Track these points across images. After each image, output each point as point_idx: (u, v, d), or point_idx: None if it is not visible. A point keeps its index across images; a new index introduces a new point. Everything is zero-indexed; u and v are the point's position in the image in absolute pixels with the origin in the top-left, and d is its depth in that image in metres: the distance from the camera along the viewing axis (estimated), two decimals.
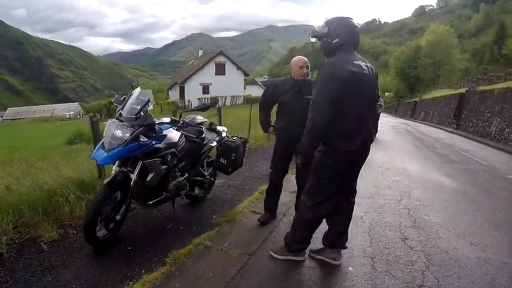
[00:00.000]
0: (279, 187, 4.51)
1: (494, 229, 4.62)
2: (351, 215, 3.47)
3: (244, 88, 48.28)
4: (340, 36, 2.99)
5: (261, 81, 61.39)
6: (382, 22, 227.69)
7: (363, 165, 3.33)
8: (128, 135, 3.50)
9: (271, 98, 4.40)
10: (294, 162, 4.19)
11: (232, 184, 6.28)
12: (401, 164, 9.08)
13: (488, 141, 15.52)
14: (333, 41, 3.01)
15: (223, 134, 5.16)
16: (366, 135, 3.10)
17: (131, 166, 3.69)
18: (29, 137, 20.70)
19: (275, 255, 3.56)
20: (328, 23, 3.04)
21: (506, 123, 15.07)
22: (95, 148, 3.80)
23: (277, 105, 4.39)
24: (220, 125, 6.90)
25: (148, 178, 3.69)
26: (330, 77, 2.88)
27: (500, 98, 16.47)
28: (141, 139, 3.61)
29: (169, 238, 4.03)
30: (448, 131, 21.06)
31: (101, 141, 3.63)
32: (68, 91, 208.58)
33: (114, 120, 3.68)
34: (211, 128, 5.12)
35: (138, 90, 3.91)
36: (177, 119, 4.36)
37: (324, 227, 3.48)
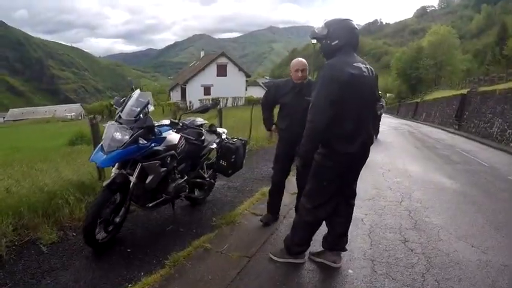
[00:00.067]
0: (281, 188, 4.52)
1: (495, 231, 4.60)
2: (351, 217, 3.46)
3: (246, 89, 48.28)
4: (340, 38, 2.98)
5: (262, 83, 61.46)
6: (384, 23, 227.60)
7: (364, 167, 3.32)
8: (127, 137, 3.50)
9: (272, 99, 4.44)
10: (295, 164, 4.18)
11: (232, 186, 6.27)
12: (403, 165, 9.05)
13: (490, 142, 15.49)
14: (333, 43, 3.00)
15: (223, 136, 5.15)
16: (366, 137, 3.08)
17: (131, 168, 3.69)
18: (30, 138, 20.74)
19: (275, 258, 3.54)
20: (328, 25, 3.03)
21: (508, 124, 15.04)
22: (94, 150, 3.80)
23: (279, 106, 4.41)
24: (221, 127, 6.89)
25: (148, 180, 3.68)
26: (329, 79, 2.87)
27: (502, 98, 16.45)
28: (141, 141, 3.60)
29: (169, 240, 4.02)
30: (450, 132, 21.02)
31: (100, 144, 3.63)
32: (69, 92, 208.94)
33: (113, 122, 3.67)
34: (211, 130, 5.12)
35: (137, 92, 3.90)
36: (177, 121, 4.35)
37: (323, 229, 3.47)
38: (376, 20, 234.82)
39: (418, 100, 43.17)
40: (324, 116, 2.84)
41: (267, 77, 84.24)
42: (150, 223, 4.52)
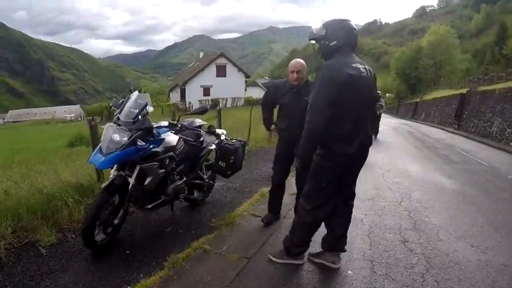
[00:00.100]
0: (282, 188, 4.54)
1: (495, 231, 4.59)
2: (350, 218, 3.45)
3: (245, 90, 48.27)
4: (338, 39, 2.97)
5: (261, 83, 61.45)
6: (383, 23, 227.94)
7: (364, 167, 3.31)
8: (125, 139, 3.49)
9: (271, 99, 4.46)
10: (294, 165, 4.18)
11: (232, 187, 6.26)
12: (402, 165, 9.05)
13: (490, 142, 15.49)
14: (331, 44, 2.99)
15: (222, 137, 5.14)
16: (364, 137, 3.07)
17: (129, 170, 3.69)
18: (30, 140, 20.69)
19: (274, 259, 3.53)
20: (326, 25, 3.02)
21: (508, 123, 15.04)
22: (93, 152, 3.80)
23: (278, 106, 4.42)
24: (220, 128, 6.89)
25: (146, 182, 3.67)
26: (327, 79, 2.86)
27: (501, 98, 16.45)
28: (139, 143, 3.59)
29: (168, 242, 4.02)
30: (449, 132, 21.02)
31: (99, 146, 3.63)
32: (69, 93, 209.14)
33: (111, 124, 3.67)
34: (210, 131, 5.11)
35: (135, 93, 3.90)
36: (175, 122, 4.34)
37: (322, 230, 3.46)
38: (376, 20, 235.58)
39: (418, 100, 43.21)
40: (322, 117, 2.84)
41: (267, 78, 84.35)
42: (149, 224, 4.51)
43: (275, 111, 4.60)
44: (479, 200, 6.11)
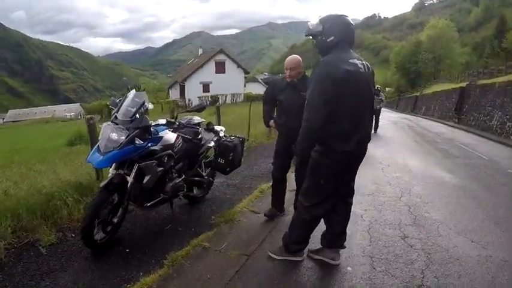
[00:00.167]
0: (282, 183, 4.58)
1: (495, 226, 4.57)
2: (349, 215, 3.43)
3: (245, 86, 48.21)
4: (335, 34, 2.94)
5: (261, 79, 61.45)
6: (382, 17, 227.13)
7: (364, 162, 3.29)
8: (123, 138, 3.48)
9: (270, 96, 4.50)
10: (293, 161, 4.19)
11: (231, 183, 6.26)
12: (402, 160, 9.03)
13: (490, 135, 15.46)
14: (328, 39, 2.96)
15: (221, 134, 5.14)
16: (363, 134, 3.05)
17: (128, 169, 3.68)
18: (30, 139, 20.72)
19: (273, 256, 3.53)
20: (323, 21, 3.00)
21: (508, 117, 15.00)
22: (91, 151, 3.79)
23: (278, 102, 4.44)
24: (219, 124, 6.88)
25: (145, 180, 3.67)
26: (324, 76, 2.83)
27: (501, 91, 16.41)
28: (137, 142, 3.58)
29: (168, 239, 4.02)
30: (450, 126, 20.98)
31: (97, 145, 3.62)
32: (69, 92, 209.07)
33: (109, 123, 3.67)
34: (209, 128, 5.11)
35: (133, 92, 3.89)
36: (173, 120, 4.33)
37: (322, 226, 3.45)
38: (375, 14, 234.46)
39: (418, 94, 43.14)
40: (319, 114, 2.82)
41: (266, 73, 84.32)
42: (148, 223, 4.51)
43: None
44: (479, 194, 6.10)
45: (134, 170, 3.63)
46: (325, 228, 3.48)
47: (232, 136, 5.18)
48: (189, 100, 40.64)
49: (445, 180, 7.04)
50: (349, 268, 3.38)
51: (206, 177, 5.10)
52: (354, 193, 3.42)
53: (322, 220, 3.39)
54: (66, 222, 4.24)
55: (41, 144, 16.21)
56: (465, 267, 3.43)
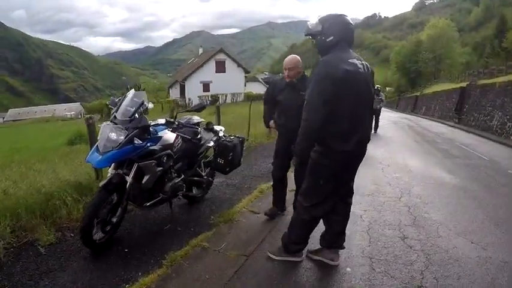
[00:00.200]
0: (283, 182, 4.59)
1: (495, 227, 4.55)
2: (348, 216, 3.42)
3: (245, 85, 48.22)
4: (335, 34, 2.93)
5: (261, 78, 61.42)
6: (383, 17, 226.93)
7: (363, 162, 3.28)
8: (122, 137, 3.48)
9: (270, 96, 4.51)
10: (292, 161, 4.19)
11: (231, 183, 6.26)
12: (402, 160, 9.02)
13: (490, 136, 15.45)
14: (327, 39, 2.95)
15: (221, 134, 5.13)
16: (362, 134, 3.04)
17: (127, 168, 3.67)
18: (30, 138, 20.73)
19: (272, 256, 3.52)
20: (322, 21, 2.99)
21: (508, 117, 14.99)
22: (90, 151, 3.78)
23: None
24: (219, 124, 6.87)
25: (144, 180, 3.66)
26: (324, 76, 2.82)
27: (502, 91, 16.39)
28: (136, 141, 3.58)
29: (167, 239, 4.01)
30: (450, 126, 20.98)
31: (96, 144, 3.61)
32: (69, 91, 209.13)
33: (108, 123, 3.66)
34: (209, 128, 5.10)
35: (132, 92, 3.88)
36: (173, 120, 4.33)
37: (321, 227, 3.44)
38: (375, 13, 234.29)
39: (418, 94, 43.14)
40: (319, 114, 2.81)
41: (266, 73, 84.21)
42: (147, 222, 4.51)
43: None
44: (479, 195, 6.08)
45: (133, 170, 3.62)
46: (324, 229, 3.47)
47: (231, 136, 5.18)
48: (189, 99, 40.63)
49: (445, 180, 7.03)
50: (348, 269, 3.38)
51: (205, 177, 5.10)
52: (353, 193, 3.41)
53: (321, 220, 3.38)
54: (65, 221, 4.23)
55: (41, 144, 16.21)
56: (465, 268, 3.42)
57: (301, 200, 3.25)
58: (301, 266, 3.42)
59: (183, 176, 4.39)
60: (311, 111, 2.84)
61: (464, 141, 13.63)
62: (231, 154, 4.86)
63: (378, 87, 14.52)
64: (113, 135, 3.50)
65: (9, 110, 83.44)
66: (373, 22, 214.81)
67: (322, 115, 2.80)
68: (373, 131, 14.08)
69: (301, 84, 3.98)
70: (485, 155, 10.54)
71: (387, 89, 67.41)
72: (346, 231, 3.48)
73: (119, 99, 3.87)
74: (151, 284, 3.08)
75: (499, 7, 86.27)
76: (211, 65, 45.10)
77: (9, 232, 3.78)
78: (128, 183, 3.62)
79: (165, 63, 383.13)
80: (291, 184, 4.57)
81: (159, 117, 4.51)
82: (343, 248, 3.49)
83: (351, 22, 3.04)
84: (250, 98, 31.48)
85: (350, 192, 3.38)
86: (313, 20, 3.08)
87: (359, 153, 3.12)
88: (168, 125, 4.21)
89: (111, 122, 3.67)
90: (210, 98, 40.18)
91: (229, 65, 46.02)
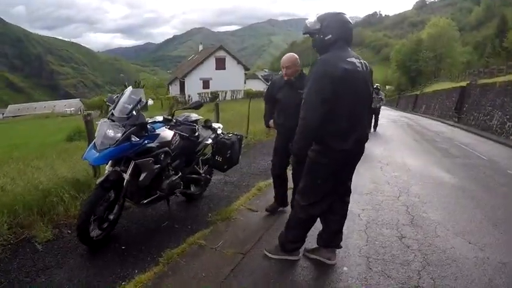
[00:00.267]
0: (282, 179, 4.61)
1: (493, 227, 4.54)
2: (346, 215, 3.41)
3: (245, 82, 48.20)
4: (333, 33, 2.91)
5: (261, 75, 61.38)
6: (383, 15, 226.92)
7: (362, 161, 3.27)
8: (119, 135, 3.46)
9: (270, 95, 4.53)
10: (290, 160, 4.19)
11: (229, 181, 6.24)
12: (401, 159, 9.01)
13: (490, 135, 15.46)
14: (326, 38, 2.93)
15: (219, 131, 5.12)
16: (361, 133, 3.02)
17: (124, 166, 3.66)
18: (29, 134, 20.70)
19: (269, 255, 3.51)
20: (321, 19, 2.96)
21: (508, 117, 14.99)
22: (88, 148, 3.77)
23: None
24: (218, 122, 6.85)
25: (141, 178, 3.65)
26: (322, 74, 2.81)
27: (502, 91, 16.38)
28: (133, 139, 3.56)
29: (164, 237, 4.00)
30: (449, 125, 21.00)
31: (93, 141, 3.60)
32: (69, 87, 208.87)
33: (105, 120, 3.65)
34: (207, 125, 5.09)
35: (129, 89, 3.86)
36: (170, 117, 4.31)
37: (318, 226, 3.43)
38: (376, 12, 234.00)
39: (418, 92, 43.11)
40: (316, 113, 2.79)
41: (266, 70, 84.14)
42: (145, 220, 4.50)
43: None
44: (478, 195, 6.07)
45: (130, 167, 3.61)
46: (321, 228, 3.46)
47: (230, 133, 5.16)
48: (189, 96, 40.57)
49: (444, 180, 7.03)
50: (345, 268, 3.37)
51: (203, 175, 5.08)
52: (351, 192, 3.40)
53: (318, 219, 3.37)
54: (62, 218, 4.23)
55: (40, 140, 16.18)
56: (462, 269, 3.41)
57: (299, 198, 3.24)
58: (298, 265, 3.41)
59: (180, 174, 4.37)
60: (309, 110, 2.82)
61: (463, 141, 13.63)
62: (229, 152, 4.85)
63: (377, 85, 14.53)
64: (110, 133, 3.48)
65: (9, 105, 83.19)
66: (373, 20, 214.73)
67: (320, 114, 2.79)
68: (372, 129, 14.09)
69: (299, 82, 3.97)
70: (484, 154, 10.54)
71: (387, 87, 67.48)
72: (343, 230, 3.47)
73: (117, 96, 3.85)
74: (148, 282, 3.07)
75: (499, 7, 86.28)
76: (211, 62, 45.04)
77: (7, 229, 3.77)
78: (125, 181, 3.61)
79: (165, 60, 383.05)
80: (290, 182, 4.57)
81: (158, 113, 4.50)
82: (340, 247, 3.48)
83: (350, 20, 3.02)
84: (249, 95, 31.47)
85: (348, 191, 3.37)
86: (311, 18, 3.06)
87: (357, 152, 3.11)
88: (165, 122, 4.19)
89: (108, 119, 3.65)
90: (209, 95, 40.18)
91: (229, 62, 45.96)
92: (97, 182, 3.56)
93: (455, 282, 3.18)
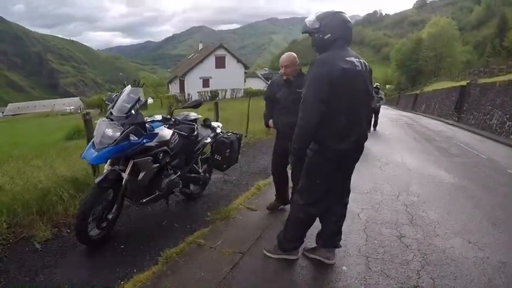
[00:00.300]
0: (282, 178, 4.62)
1: (492, 227, 4.53)
2: (345, 215, 3.41)
3: (245, 81, 48.17)
4: (332, 32, 2.90)
5: (261, 74, 61.36)
6: (383, 14, 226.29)
7: (362, 160, 3.26)
8: (118, 134, 3.46)
9: (270, 95, 4.53)
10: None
11: (228, 180, 6.24)
12: (401, 158, 9.00)
13: (489, 135, 15.45)
14: (325, 37, 2.91)
15: (218, 130, 5.11)
16: (360, 133, 3.01)
17: (123, 165, 3.66)
18: (28, 133, 20.63)
19: (268, 254, 3.51)
20: (320, 18, 2.95)
21: (508, 116, 14.98)
22: (86, 147, 3.76)
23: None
24: (217, 120, 6.85)
25: (140, 177, 3.64)
26: (320, 74, 2.79)
27: (502, 91, 16.36)
28: (132, 138, 3.56)
29: (163, 236, 4.00)
30: (449, 124, 20.99)
31: (92, 141, 3.60)
32: (69, 86, 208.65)
33: (104, 119, 3.64)
34: (206, 125, 5.09)
35: (128, 88, 3.85)
36: (169, 116, 4.31)
37: (318, 225, 3.43)
38: (376, 11, 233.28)
39: (418, 92, 43.07)
40: (315, 113, 2.78)
41: (266, 69, 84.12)
42: (144, 219, 4.49)
43: None
44: (477, 194, 6.06)
45: (129, 167, 3.61)
46: (320, 227, 3.45)
47: (229, 132, 5.16)
48: (189, 95, 40.57)
49: (443, 179, 7.02)
50: (344, 268, 3.36)
51: (202, 174, 5.08)
52: (349, 192, 3.40)
53: (317, 219, 3.36)
54: (61, 217, 4.21)
55: (39, 138, 16.16)
56: (461, 268, 3.41)
57: (297, 198, 3.23)
58: (297, 264, 3.41)
59: (179, 173, 4.36)
60: (307, 110, 2.81)
61: (463, 140, 13.63)
62: (228, 151, 4.86)
63: (377, 85, 14.52)
64: (109, 132, 3.48)
65: (9, 104, 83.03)
66: (374, 19, 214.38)
67: (318, 114, 2.78)
68: (372, 128, 14.10)
69: (297, 81, 3.97)
70: (484, 154, 10.53)
71: (387, 86, 67.48)
72: (342, 230, 3.46)
73: (116, 95, 3.85)
74: (147, 281, 3.06)
75: (500, 6, 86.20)
76: (211, 61, 44.99)
77: (6, 228, 3.77)
78: (124, 180, 3.61)
79: (165, 59, 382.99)
80: (290, 181, 4.57)
81: (158, 112, 4.49)
82: (340, 246, 3.47)
83: (349, 20, 3.00)
84: (250, 93, 31.45)
85: (347, 191, 3.36)
86: (310, 17, 3.04)
87: (356, 152, 3.10)
88: (164, 121, 4.19)
89: (107, 118, 3.65)
90: (209, 94, 40.16)
91: (229, 60, 45.91)
92: (95, 182, 3.55)
93: (454, 282, 3.17)
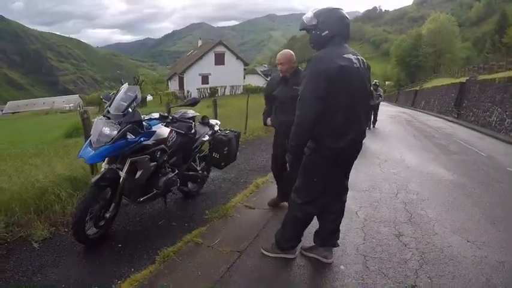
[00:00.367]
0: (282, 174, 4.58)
1: (491, 225, 4.50)
2: (343, 213, 3.39)
3: (244, 78, 48.11)
4: (330, 29, 2.87)
5: (260, 71, 61.29)
6: (383, 10, 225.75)
7: (360, 157, 3.24)
8: (115, 132, 3.44)
9: (269, 92, 4.53)
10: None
11: (227, 177, 6.23)
12: (400, 155, 8.99)
13: (489, 131, 15.43)
14: (322, 34, 2.89)
15: (216, 128, 5.10)
16: (357, 131, 2.99)
17: (120, 163, 3.65)
18: (28, 131, 20.63)
19: (266, 253, 3.50)
20: (317, 15, 2.92)
21: (507, 113, 14.95)
22: (83, 146, 3.75)
23: None
24: (216, 118, 6.83)
25: (137, 175, 3.63)
26: (317, 71, 2.77)
27: (501, 87, 16.33)
28: (129, 136, 3.54)
29: (161, 235, 3.99)
30: (449, 121, 20.96)
31: (89, 139, 3.58)
32: (68, 83, 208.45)
33: (101, 117, 3.63)
34: (204, 122, 5.08)
35: (125, 86, 3.84)
36: (166, 114, 4.29)
37: (316, 224, 3.41)
38: (376, 7, 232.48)
39: (417, 88, 43.04)
40: (312, 110, 2.76)
41: (266, 65, 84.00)
42: (142, 217, 4.48)
43: None
44: (476, 192, 6.03)
45: (127, 165, 3.59)
46: (318, 226, 3.44)
47: (227, 130, 5.14)
48: (188, 92, 40.53)
49: (442, 177, 7.00)
50: (341, 267, 3.35)
51: (200, 172, 5.07)
52: (347, 191, 3.38)
53: (315, 217, 3.35)
54: (59, 216, 4.20)
55: (39, 136, 16.15)
56: (459, 267, 3.38)
57: (295, 196, 3.20)
58: (295, 263, 3.39)
59: (177, 171, 4.35)
60: (304, 108, 2.79)
61: (462, 137, 13.62)
62: (226, 148, 4.84)
63: (376, 82, 14.51)
64: (106, 130, 3.47)
65: (8, 102, 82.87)
66: (373, 15, 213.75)
67: (315, 111, 2.76)
68: (371, 125, 14.09)
69: (294, 78, 3.97)
70: (483, 151, 10.52)
71: (387, 83, 67.44)
72: (340, 228, 3.44)
73: (113, 94, 3.83)
74: (144, 280, 3.05)
75: (500, 3, 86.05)
76: (210, 57, 44.93)
77: (3, 227, 3.76)
78: (122, 178, 3.60)
79: (164, 55, 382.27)
80: None
81: (158, 109, 4.47)
82: (337, 245, 3.46)
83: (347, 16, 2.98)
84: (249, 90, 31.43)
85: (345, 190, 3.34)
86: (308, 14, 3.01)
87: (354, 150, 3.08)
88: (162, 119, 4.17)
89: (104, 116, 3.63)
90: (208, 91, 40.13)
91: (228, 57, 45.84)
92: (92, 180, 3.54)
93: (452, 281, 3.15)
